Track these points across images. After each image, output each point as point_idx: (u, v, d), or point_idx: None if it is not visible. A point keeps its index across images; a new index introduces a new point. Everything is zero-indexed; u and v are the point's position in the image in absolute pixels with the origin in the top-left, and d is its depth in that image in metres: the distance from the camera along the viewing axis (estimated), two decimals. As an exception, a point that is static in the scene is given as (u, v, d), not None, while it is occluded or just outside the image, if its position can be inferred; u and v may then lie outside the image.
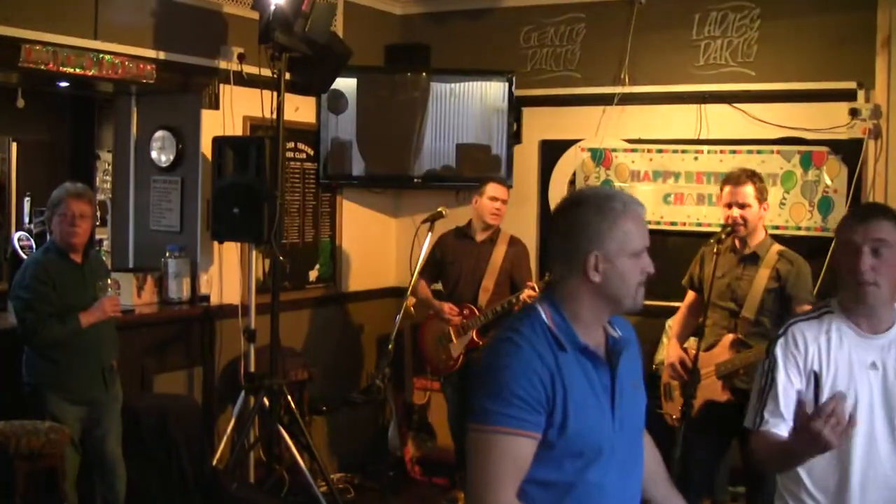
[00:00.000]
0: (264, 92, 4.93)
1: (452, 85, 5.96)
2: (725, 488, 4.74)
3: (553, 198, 5.84)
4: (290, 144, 5.70)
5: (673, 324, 4.48)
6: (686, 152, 5.50)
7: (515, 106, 5.92)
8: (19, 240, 6.54)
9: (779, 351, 2.53)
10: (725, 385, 4.02)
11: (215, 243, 5.17)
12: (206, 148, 5.14)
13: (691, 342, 4.32)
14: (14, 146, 7.56)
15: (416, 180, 6.02)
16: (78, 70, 4.53)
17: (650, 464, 2.29)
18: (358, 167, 5.99)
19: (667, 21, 5.54)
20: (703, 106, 5.45)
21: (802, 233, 5.14)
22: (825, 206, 5.13)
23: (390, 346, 4.47)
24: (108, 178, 7.02)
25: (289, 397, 4.86)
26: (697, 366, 3.95)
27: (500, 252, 5.16)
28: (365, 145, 5.95)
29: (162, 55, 4.92)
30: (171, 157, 5.29)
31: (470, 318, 5.12)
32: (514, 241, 5.21)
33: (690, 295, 4.34)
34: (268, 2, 4.60)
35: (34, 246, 6.37)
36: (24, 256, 6.05)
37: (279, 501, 4.96)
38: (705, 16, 5.44)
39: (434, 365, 5.36)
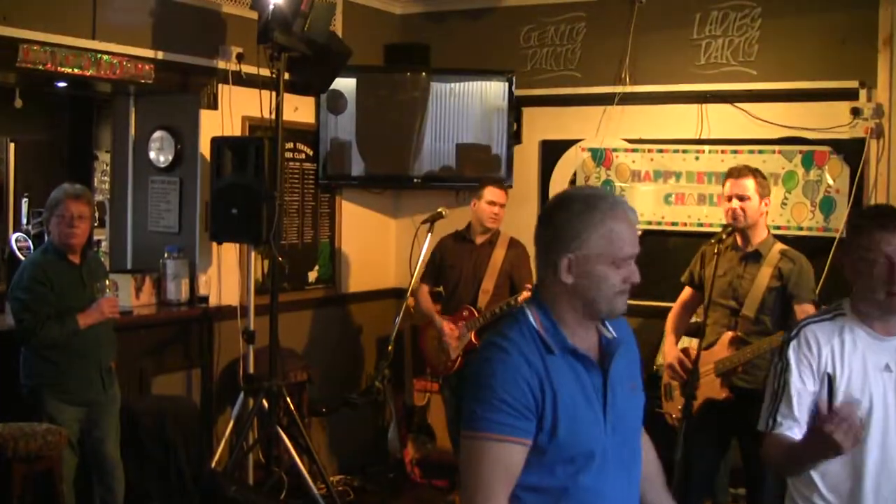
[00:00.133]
0: (263, 92, 4.92)
1: (452, 85, 5.94)
2: (726, 489, 4.72)
3: (551, 199, 5.81)
4: (290, 145, 5.68)
5: (668, 319, 4.46)
6: (687, 152, 5.48)
7: (515, 106, 5.91)
8: (17, 241, 6.52)
9: (791, 353, 2.51)
10: (724, 383, 4.02)
11: (214, 244, 5.16)
12: (204, 148, 5.12)
13: (693, 342, 4.30)
14: (12, 146, 7.53)
15: (415, 181, 6.00)
16: (76, 70, 4.52)
17: (647, 467, 2.27)
18: (357, 167, 5.97)
19: (667, 20, 5.52)
20: (704, 105, 5.44)
21: (804, 233, 5.12)
22: (827, 206, 5.11)
23: (390, 348, 4.47)
24: (107, 178, 7.00)
25: (288, 399, 4.85)
26: (697, 366, 3.93)
27: (499, 254, 5.16)
28: (364, 145, 5.93)
29: (160, 55, 4.91)
30: (170, 158, 5.27)
31: (469, 319, 5.11)
32: (513, 244, 5.21)
33: (687, 291, 4.33)
34: (267, 1, 4.59)
35: (32, 247, 6.35)
36: (22, 258, 6.02)
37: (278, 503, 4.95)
38: (706, 15, 5.42)
39: (433, 366, 5.36)
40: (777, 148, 5.23)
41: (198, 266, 5.22)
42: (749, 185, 4.02)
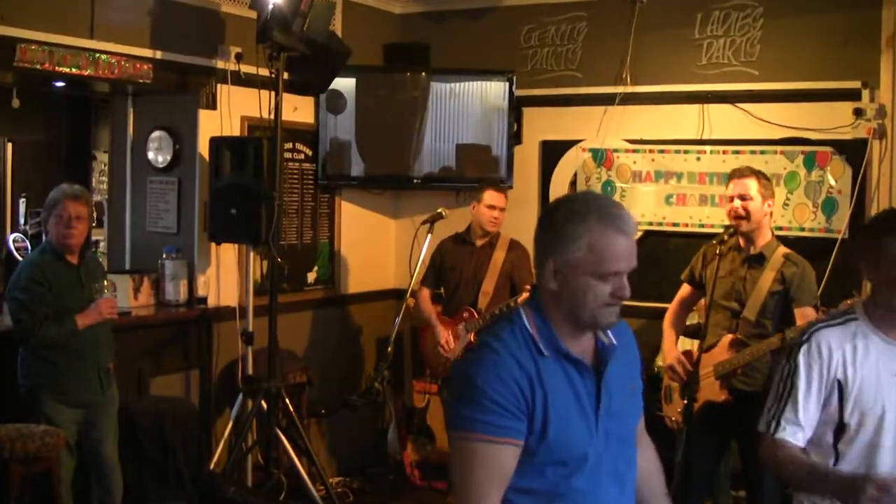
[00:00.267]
0: (262, 92, 4.90)
1: (452, 85, 5.92)
2: (727, 491, 4.72)
3: (554, 199, 5.79)
4: (289, 145, 5.66)
5: (666, 316, 4.44)
6: (688, 153, 5.46)
7: (516, 106, 5.89)
8: (14, 241, 6.49)
9: (802, 358, 2.48)
10: (723, 385, 4.00)
11: (212, 245, 5.15)
12: (203, 148, 5.11)
13: (694, 344, 4.28)
14: (9, 146, 7.50)
15: (415, 181, 5.98)
16: (74, 70, 4.50)
17: (650, 471, 2.25)
18: (357, 168, 5.95)
19: (669, 20, 5.50)
20: (705, 106, 5.42)
21: (806, 234, 5.10)
22: (829, 206, 5.09)
23: (389, 349, 4.45)
24: (105, 178, 6.97)
25: (287, 400, 4.83)
26: (698, 368, 3.91)
27: (499, 256, 5.17)
28: (364, 146, 5.91)
29: (159, 55, 4.89)
30: (168, 158, 5.26)
31: (469, 321, 5.11)
32: (513, 245, 5.21)
33: (686, 288, 4.32)
34: (266, 1, 4.57)
35: (29, 247, 6.33)
36: (19, 258, 6.00)
37: (277, 505, 4.93)
38: (707, 15, 5.40)
39: (433, 368, 5.35)
40: (779, 148, 5.21)
41: (196, 267, 5.20)
42: (751, 185, 4.02)
